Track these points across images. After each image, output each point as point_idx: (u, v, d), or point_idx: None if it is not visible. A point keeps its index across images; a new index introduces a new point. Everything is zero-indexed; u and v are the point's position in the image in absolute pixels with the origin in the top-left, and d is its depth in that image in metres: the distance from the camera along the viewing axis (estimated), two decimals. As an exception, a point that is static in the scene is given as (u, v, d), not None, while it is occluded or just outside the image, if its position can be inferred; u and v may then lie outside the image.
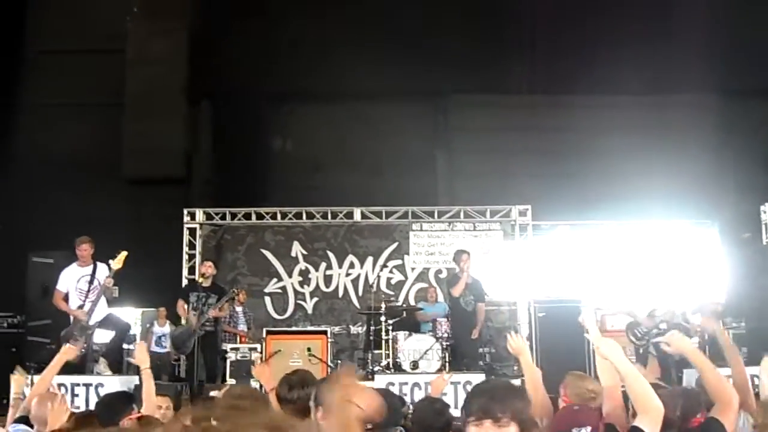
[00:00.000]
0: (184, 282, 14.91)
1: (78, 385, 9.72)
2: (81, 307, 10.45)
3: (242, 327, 14.03)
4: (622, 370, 3.97)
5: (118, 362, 11.13)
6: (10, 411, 5.59)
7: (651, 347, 12.02)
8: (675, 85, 16.57)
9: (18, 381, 5.71)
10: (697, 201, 15.85)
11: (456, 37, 16.88)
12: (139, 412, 5.10)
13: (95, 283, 10.51)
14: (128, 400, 5.26)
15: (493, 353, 13.72)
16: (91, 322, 10.43)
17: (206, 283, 11.85)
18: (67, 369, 10.13)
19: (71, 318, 10.59)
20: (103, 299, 10.57)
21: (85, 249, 10.62)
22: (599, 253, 15.45)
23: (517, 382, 7.60)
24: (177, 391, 10.39)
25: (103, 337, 10.88)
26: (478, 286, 12.43)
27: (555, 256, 15.52)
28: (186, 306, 11.85)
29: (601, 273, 15.29)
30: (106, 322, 10.61)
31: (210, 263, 12.27)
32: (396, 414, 4.67)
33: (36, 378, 9.29)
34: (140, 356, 6.07)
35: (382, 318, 12.35)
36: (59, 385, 9.20)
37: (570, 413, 4.07)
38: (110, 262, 10.35)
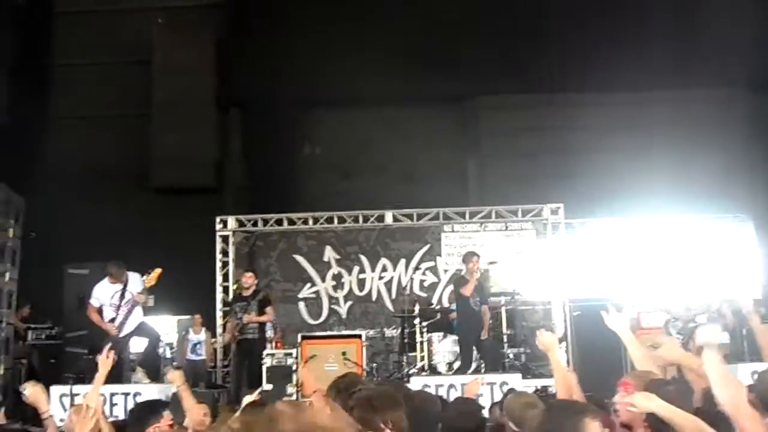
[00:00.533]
0: (219, 289, 14.99)
1: (116, 394, 9.79)
2: (113, 320, 10.52)
3: (269, 333, 14.04)
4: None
5: (155, 370, 11.18)
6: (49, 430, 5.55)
7: (691, 341, 11.93)
8: (706, 80, 16.47)
9: (36, 395, 5.40)
10: (731, 196, 15.71)
11: (484, 40, 16.87)
12: (172, 420, 5.10)
13: (127, 296, 10.57)
14: (158, 408, 5.24)
15: (528, 353, 13.64)
16: (123, 333, 10.50)
17: (246, 293, 11.97)
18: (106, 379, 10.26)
19: None
20: (137, 308, 10.64)
21: (116, 275, 10.68)
22: (633, 249, 15.33)
23: (552, 381, 7.57)
24: (214, 399, 10.44)
25: (138, 346, 10.95)
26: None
27: (588, 254, 15.41)
28: (233, 320, 12.05)
29: (635, 270, 15.16)
30: (138, 331, 10.68)
31: (250, 274, 12.37)
32: (433, 416, 4.66)
33: (75, 388, 9.40)
34: (172, 377, 6.21)
35: (416, 320, 12.33)
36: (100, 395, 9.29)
37: None
38: (144, 278, 10.42)
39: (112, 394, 9.74)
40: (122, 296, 10.58)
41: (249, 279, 12.15)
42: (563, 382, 5.13)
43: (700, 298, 13.64)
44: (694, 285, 14.58)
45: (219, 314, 14.86)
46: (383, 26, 16.85)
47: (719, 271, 14.98)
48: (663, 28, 16.43)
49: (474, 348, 11.64)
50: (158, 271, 10.33)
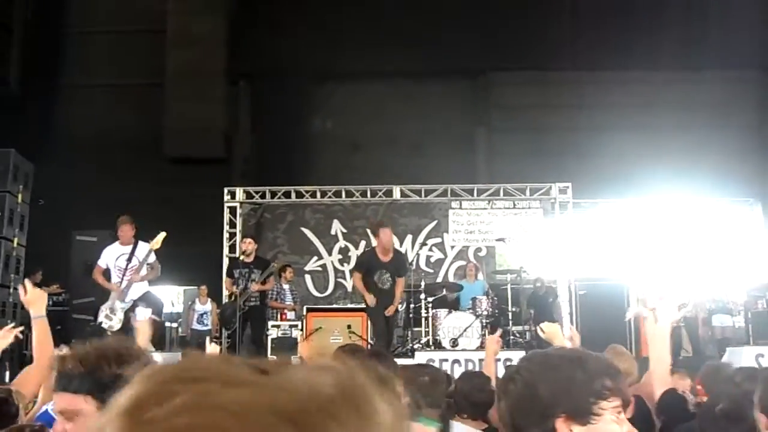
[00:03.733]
0: (225, 260, 15.01)
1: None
2: (120, 284, 10.58)
3: (289, 302, 14.09)
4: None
5: (160, 339, 11.24)
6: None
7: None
8: (717, 61, 16.38)
9: (35, 295, 5.01)
10: (740, 178, 15.67)
11: (495, 15, 16.79)
12: None
13: (134, 261, 10.61)
14: None
15: (533, 331, 13.68)
16: (128, 299, 10.54)
17: (248, 259, 11.89)
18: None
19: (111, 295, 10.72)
20: (143, 274, 10.68)
21: (124, 230, 10.73)
22: (639, 230, 15.32)
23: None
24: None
25: (143, 314, 11.00)
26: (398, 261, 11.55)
27: (595, 233, 15.41)
28: (231, 282, 11.94)
29: (641, 251, 15.16)
30: (143, 300, 10.71)
31: (249, 239, 12.25)
32: (442, 390, 4.69)
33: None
34: (30, 298, 4.62)
35: (422, 296, 12.35)
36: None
37: None
38: (150, 242, 10.46)
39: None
40: (129, 260, 10.62)
41: (249, 245, 12.04)
42: None
43: (694, 298, 13.67)
44: (701, 267, 14.58)
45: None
46: (396, 0, 16.79)
47: (726, 253, 14.97)
48: (677, 8, 16.36)
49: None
50: (163, 234, 10.35)
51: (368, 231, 13.14)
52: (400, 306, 11.70)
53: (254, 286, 11.57)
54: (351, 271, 11.56)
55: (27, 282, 4.76)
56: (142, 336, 5.38)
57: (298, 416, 0.73)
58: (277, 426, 0.72)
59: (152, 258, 10.64)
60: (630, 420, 3.82)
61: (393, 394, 0.82)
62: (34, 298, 4.57)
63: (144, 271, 10.65)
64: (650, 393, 4.38)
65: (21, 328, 5.14)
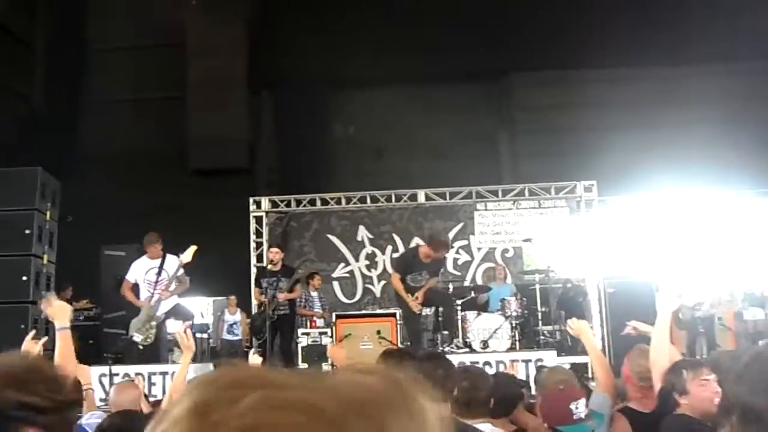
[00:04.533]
0: (253, 270, 15.06)
1: (155, 373, 9.93)
2: (150, 298, 10.64)
3: (318, 310, 14.14)
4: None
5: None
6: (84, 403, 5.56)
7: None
8: (738, 54, 16.24)
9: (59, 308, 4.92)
10: (763, 170, 15.53)
11: (514, 16, 16.74)
12: None
13: (163, 275, 10.68)
14: None
15: (563, 330, 13.63)
16: (159, 313, 10.61)
17: (275, 268, 11.93)
18: (144, 358, 10.41)
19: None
20: (172, 289, 10.74)
21: (153, 248, 10.80)
22: (666, 226, 15.22)
23: (586, 359, 7.57)
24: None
25: (174, 326, 11.06)
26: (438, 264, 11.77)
27: (622, 230, 15.33)
28: (259, 291, 11.98)
29: (668, 246, 15.06)
30: (173, 312, 10.78)
31: (276, 249, 12.30)
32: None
33: (114, 369, 9.54)
34: (53, 311, 4.63)
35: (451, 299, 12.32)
36: (136, 374, 9.43)
37: (559, 393, 4.24)
38: (180, 256, 10.50)
39: (151, 374, 9.89)
40: (158, 274, 10.68)
41: (276, 255, 12.09)
42: (600, 363, 5.18)
43: (711, 294, 13.60)
44: (729, 261, 14.47)
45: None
46: (415, 3, 16.78)
47: (754, 246, 14.84)
48: (697, 1, 16.24)
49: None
50: (194, 248, 10.40)
51: (422, 238, 12.95)
52: (429, 310, 11.69)
53: (281, 296, 11.61)
54: (393, 269, 11.45)
55: (51, 294, 4.79)
56: (184, 345, 5.45)
57: (362, 408, 0.77)
58: (345, 417, 0.76)
59: (180, 271, 10.71)
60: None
61: (430, 395, 0.86)
62: (58, 311, 4.60)
63: (173, 286, 10.71)
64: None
65: (45, 339, 5.16)
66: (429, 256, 11.02)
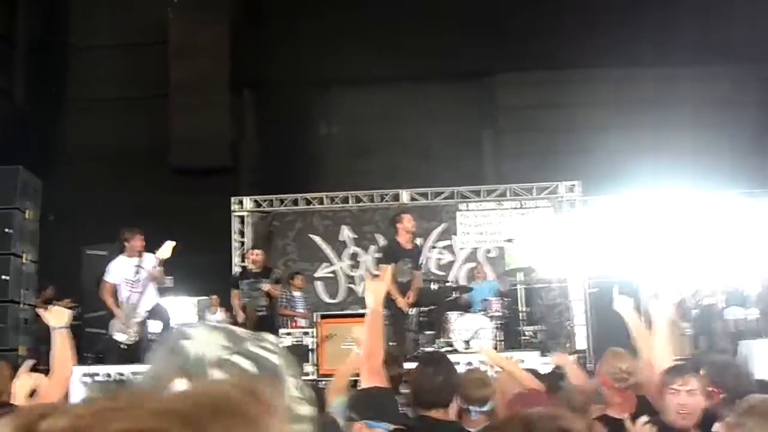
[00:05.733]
0: (235, 270, 15.02)
1: (137, 374, 9.84)
2: (129, 298, 10.55)
3: (301, 310, 14.13)
4: None
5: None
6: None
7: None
8: (726, 56, 16.32)
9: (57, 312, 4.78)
10: (747, 172, 15.62)
11: (498, 15, 16.76)
12: None
13: (142, 273, 10.59)
14: None
15: (545, 331, 13.68)
16: (140, 311, 10.53)
17: (256, 270, 11.89)
18: (126, 358, 10.34)
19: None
20: (151, 289, 10.65)
21: (136, 241, 10.71)
22: (649, 225, 15.27)
23: (571, 357, 7.59)
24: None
25: (156, 326, 10.99)
26: (419, 252, 11.79)
27: (605, 230, 15.37)
28: (238, 294, 11.88)
29: (651, 246, 15.11)
30: (153, 313, 10.68)
31: (257, 251, 12.26)
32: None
33: (95, 368, 9.45)
34: (50, 314, 4.62)
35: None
36: (118, 374, 9.37)
37: (522, 398, 4.37)
38: (156, 252, 10.41)
39: (133, 374, 9.81)
40: (136, 273, 10.59)
41: (257, 256, 12.06)
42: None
43: (706, 284, 13.63)
44: (711, 261, 14.53)
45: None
46: (399, 3, 16.77)
47: (737, 246, 14.91)
48: (684, 2, 16.31)
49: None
50: (171, 243, 10.26)
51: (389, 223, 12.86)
52: (411, 309, 11.69)
53: (266, 286, 11.56)
54: (383, 263, 11.25)
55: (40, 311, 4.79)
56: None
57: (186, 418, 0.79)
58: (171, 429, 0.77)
59: (158, 268, 10.60)
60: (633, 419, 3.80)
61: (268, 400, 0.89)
62: (56, 313, 4.61)
63: (150, 284, 10.62)
64: (655, 393, 4.35)
65: (32, 363, 5.06)
66: (408, 231, 10.99)
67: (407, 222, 11.09)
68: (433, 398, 4.08)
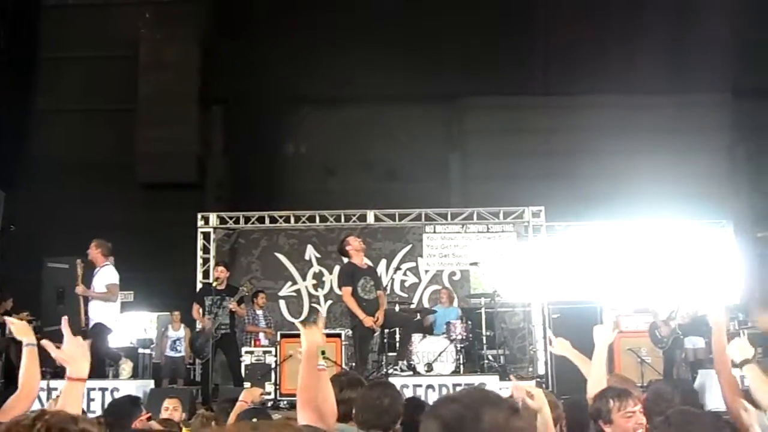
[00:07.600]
0: (199, 286, 14.91)
1: (93, 389, 9.69)
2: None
3: (262, 325, 14.11)
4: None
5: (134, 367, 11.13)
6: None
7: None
8: (688, 85, 16.55)
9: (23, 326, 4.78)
10: (711, 200, 15.81)
11: (469, 41, 16.89)
12: (149, 413, 5.13)
13: (91, 286, 10.56)
14: (137, 403, 5.32)
15: (507, 355, 13.69)
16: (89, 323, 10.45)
17: (220, 286, 11.79)
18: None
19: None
20: (97, 303, 10.55)
21: (99, 252, 10.64)
22: (613, 253, 15.38)
23: (531, 383, 7.60)
24: (192, 396, 10.41)
25: (120, 341, 10.86)
26: (375, 272, 11.99)
27: (569, 256, 15.46)
28: (201, 310, 11.75)
29: (615, 273, 15.23)
30: (93, 330, 10.51)
31: (222, 267, 12.15)
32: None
33: (52, 383, 9.26)
34: (17, 329, 4.55)
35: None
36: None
37: None
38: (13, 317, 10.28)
39: (90, 390, 9.63)
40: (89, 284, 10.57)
41: (221, 273, 11.96)
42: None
43: (683, 306, 13.68)
44: (674, 289, 14.64)
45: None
46: (369, 24, 16.86)
47: (699, 275, 15.04)
48: (649, 33, 16.53)
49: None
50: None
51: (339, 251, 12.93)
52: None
53: (232, 305, 11.47)
54: (341, 285, 11.25)
55: (8, 318, 4.75)
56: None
57: None
58: None
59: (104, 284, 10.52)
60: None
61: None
62: (22, 328, 4.55)
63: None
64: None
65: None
66: (358, 250, 11.01)
67: (354, 242, 11.13)
68: (376, 420, 4.08)
